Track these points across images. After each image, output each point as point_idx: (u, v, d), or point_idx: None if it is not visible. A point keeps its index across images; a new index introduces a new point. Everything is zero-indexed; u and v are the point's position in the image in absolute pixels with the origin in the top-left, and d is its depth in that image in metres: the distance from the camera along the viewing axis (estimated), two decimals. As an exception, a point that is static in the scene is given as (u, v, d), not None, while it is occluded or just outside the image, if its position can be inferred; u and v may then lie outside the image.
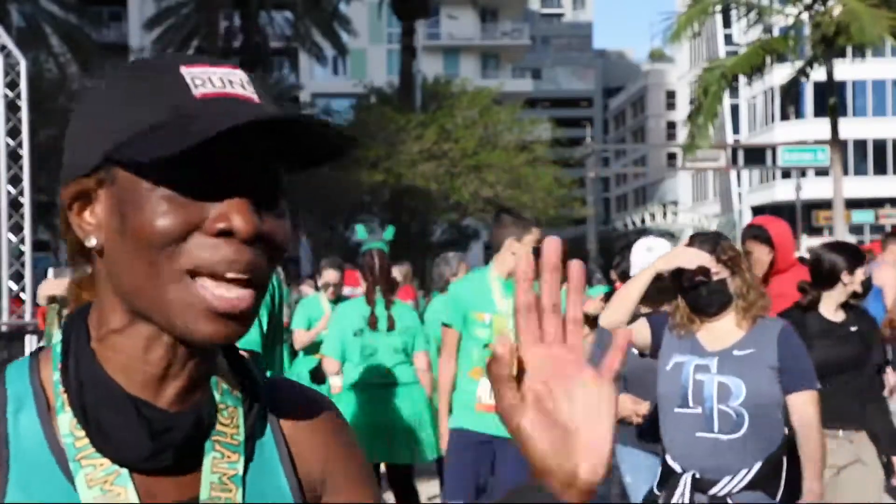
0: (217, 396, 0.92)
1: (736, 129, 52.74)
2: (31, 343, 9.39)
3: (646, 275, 3.42)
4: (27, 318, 9.92)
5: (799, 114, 45.43)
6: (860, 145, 46.85)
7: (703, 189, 60.63)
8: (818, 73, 22.61)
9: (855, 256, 4.18)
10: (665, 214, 43.82)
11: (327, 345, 5.46)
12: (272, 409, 0.97)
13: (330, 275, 7.07)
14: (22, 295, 10.35)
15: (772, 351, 3.23)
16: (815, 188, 40.34)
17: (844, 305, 4.17)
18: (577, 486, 0.81)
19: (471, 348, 4.55)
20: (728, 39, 49.86)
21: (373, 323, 5.33)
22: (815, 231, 41.43)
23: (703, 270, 3.26)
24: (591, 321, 4.07)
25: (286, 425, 0.97)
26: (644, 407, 4.17)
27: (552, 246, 0.82)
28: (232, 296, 0.84)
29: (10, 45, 10.29)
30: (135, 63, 0.92)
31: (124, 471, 0.86)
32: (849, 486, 4.07)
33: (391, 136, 27.48)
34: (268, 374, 2.05)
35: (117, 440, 0.86)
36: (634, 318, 3.60)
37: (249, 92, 0.88)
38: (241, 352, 1.02)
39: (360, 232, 5.82)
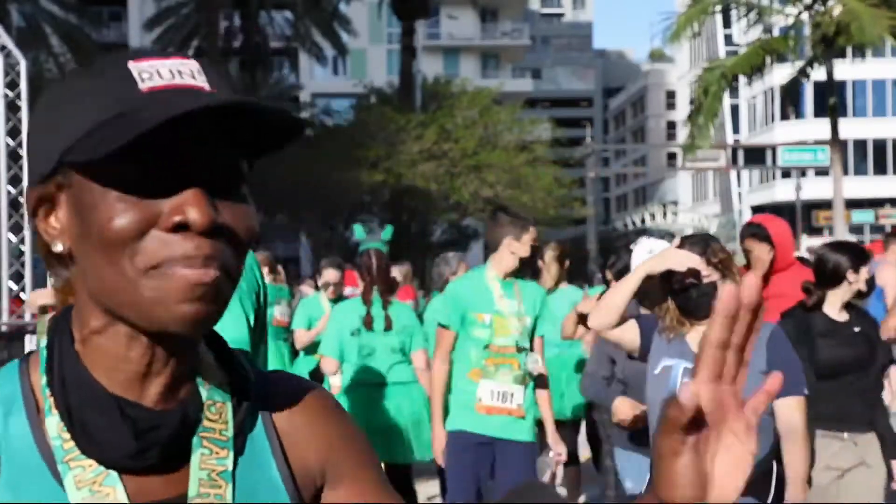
0: (204, 393, 0.92)
1: (736, 129, 52.75)
2: (31, 343, 9.39)
3: (635, 277, 3.36)
4: (27, 318, 9.92)
5: (799, 114, 45.43)
6: (860, 145, 46.86)
7: (703, 189, 60.63)
8: (818, 73, 22.61)
9: (859, 256, 4.17)
10: (665, 214, 43.83)
11: (325, 345, 5.46)
12: (264, 403, 0.96)
13: (330, 274, 7.07)
14: (22, 295, 10.35)
15: (760, 355, 3.17)
16: (815, 188, 40.34)
17: (847, 306, 4.16)
18: None
19: (469, 349, 4.46)
20: (728, 39, 49.87)
21: (368, 323, 5.32)
22: (815, 231, 41.43)
23: (694, 273, 3.22)
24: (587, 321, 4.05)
25: (279, 418, 0.97)
26: (641, 411, 4.15)
27: (752, 285, 0.78)
28: (200, 270, 0.83)
29: (10, 45, 10.29)
30: (86, 63, 0.92)
31: (113, 471, 0.86)
32: (852, 489, 4.05)
33: (391, 136, 27.49)
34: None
35: (102, 441, 0.86)
36: (636, 317, 3.58)
37: (200, 81, 0.87)
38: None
39: (357, 232, 5.82)
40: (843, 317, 4.13)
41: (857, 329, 4.12)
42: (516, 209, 4.89)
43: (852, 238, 28.02)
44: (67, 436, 0.86)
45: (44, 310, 4.32)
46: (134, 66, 0.86)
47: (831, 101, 22.66)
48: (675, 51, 53.81)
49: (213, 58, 31.05)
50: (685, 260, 3.22)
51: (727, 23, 44.43)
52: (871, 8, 20.14)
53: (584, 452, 6.97)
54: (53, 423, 0.87)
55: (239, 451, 0.93)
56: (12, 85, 10.32)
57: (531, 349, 4.52)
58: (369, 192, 28.36)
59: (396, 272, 8.03)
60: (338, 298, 6.81)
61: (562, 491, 6.42)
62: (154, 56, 0.88)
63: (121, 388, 0.88)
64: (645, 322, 3.44)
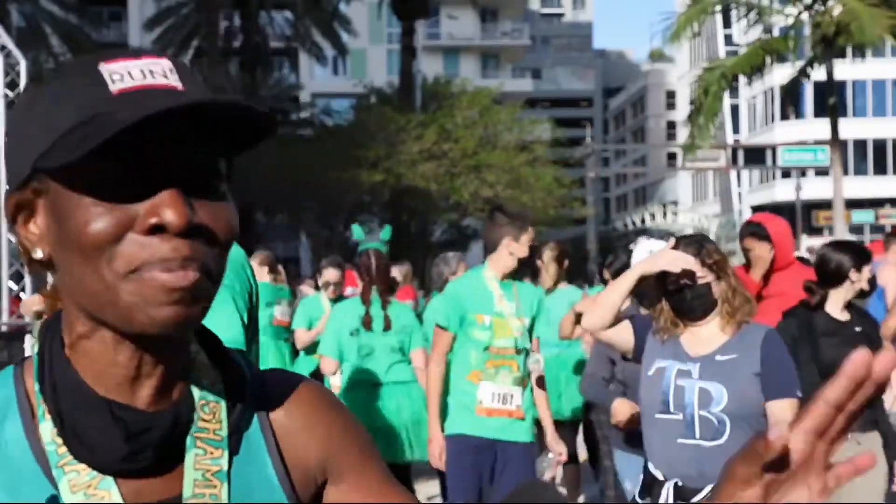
0: (197, 392, 0.92)
1: (736, 129, 52.75)
2: (30, 344, 9.39)
3: (629, 278, 3.33)
4: (27, 318, 9.92)
5: (799, 114, 45.43)
6: (860, 145, 46.86)
7: (703, 189, 60.64)
8: (818, 73, 22.62)
9: (861, 255, 4.17)
10: (665, 214, 43.85)
11: (324, 345, 5.46)
12: (261, 401, 0.96)
13: (330, 273, 7.08)
14: (22, 295, 10.35)
15: (755, 356, 3.16)
16: (815, 188, 40.34)
17: (848, 305, 4.16)
18: None
19: (468, 350, 4.39)
20: (728, 39, 49.88)
21: (367, 323, 5.32)
22: (815, 231, 41.44)
23: (688, 274, 3.19)
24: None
25: (276, 416, 0.96)
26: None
27: (888, 362, 0.76)
28: (179, 273, 0.83)
29: (10, 45, 10.29)
30: (58, 67, 0.91)
31: (108, 475, 0.86)
32: (853, 489, 4.05)
33: (391, 136, 27.49)
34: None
35: (94, 445, 0.86)
36: (630, 318, 3.56)
37: (173, 80, 0.86)
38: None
39: (356, 232, 5.82)
40: (844, 316, 4.13)
41: (858, 329, 4.12)
42: (514, 209, 4.83)
43: (852, 238, 28.02)
44: (61, 440, 0.86)
45: (39, 315, 4.33)
46: (105, 68, 0.85)
47: (831, 101, 22.66)
48: (675, 51, 53.82)
49: (213, 58, 31.09)
50: (679, 261, 3.19)
51: (727, 23, 44.44)
52: (871, 8, 20.14)
53: (584, 453, 6.96)
54: (47, 429, 0.87)
55: (234, 450, 0.92)
56: (12, 85, 10.32)
57: (529, 350, 4.51)
58: (369, 192, 28.35)
59: (396, 272, 8.04)
60: (338, 298, 6.82)
61: (561, 491, 6.42)
62: (125, 57, 0.87)
63: (112, 391, 0.88)
64: (639, 323, 3.41)
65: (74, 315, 0.88)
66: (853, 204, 38.36)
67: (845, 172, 29.48)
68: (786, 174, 41.61)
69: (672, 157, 61.69)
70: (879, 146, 47.70)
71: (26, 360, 0.93)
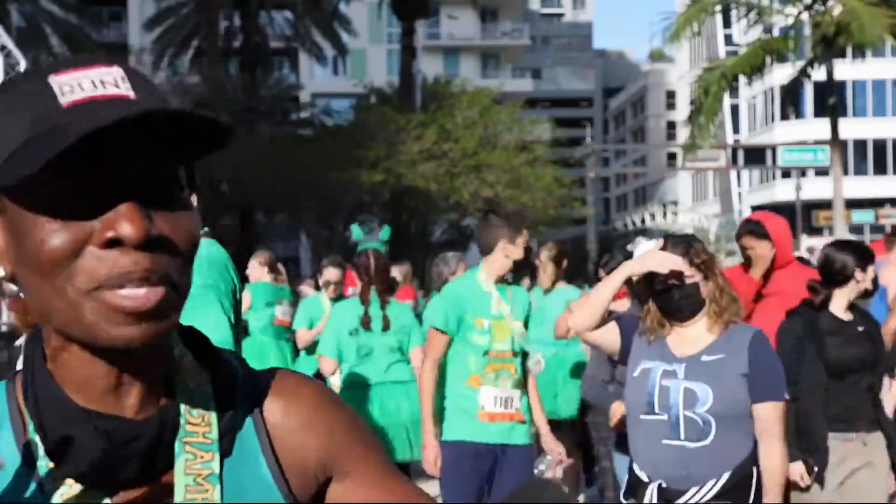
0: (184, 396, 0.91)
1: (736, 129, 52.74)
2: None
3: (616, 279, 3.30)
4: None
5: (799, 114, 45.42)
6: (860, 145, 46.85)
7: (703, 189, 60.63)
8: (818, 73, 22.62)
9: (865, 255, 4.15)
10: (665, 214, 43.85)
11: (323, 345, 5.47)
12: (254, 400, 0.95)
13: (331, 273, 7.09)
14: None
15: (742, 357, 3.13)
16: (815, 188, 40.33)
17: (850, 305, 4.15)
18: None
19: (467, 355, 4.31)
20: (728, 39, 49.87)
21: (366, 323, 5.32)
22: (815, 231, 41.43)
23: (676, 274, 3.17)
24: None
25: (271, 415, 0.95)
26: None
27: None
28: (141, 292, 0.81)
29: (10, 45, 10.30)
30: (6, 81, 0.89)
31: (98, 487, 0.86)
32: (857, 489, 4.04)
33: (391, 136, 27.48)
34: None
35: (78, 458, 0.85)
36: (617, 319, 3.53)
37: (124, 89, 0.84)
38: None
39: (355, 232, 5.82)
40: (847, 316, 4.12)
41: (860, 329, 4.11)
42: (508, 210, 4.77)
43: (852, 238, 27.97)
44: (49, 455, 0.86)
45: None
46: (54, 80, 0.84)
47: (831, 101, 22.67)
48: (675, 51, 53.82)
49: (213, 58, 31.10)
50: (667, 262, 3.17)
51: (727, 23, 44.43)
52: (871, 7, 20.14)
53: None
54: (38, 444, 0.86)
55: (226, 451, 0.91)
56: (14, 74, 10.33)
57: (527, 352, 4.48)
58: (369, 192, 28.34)
59: (396, 272, 8.04)
60: (338, 297, 6.82)
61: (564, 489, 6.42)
62: (76, 67, 0.85)
63: (95, 402, 0.87)
64: (625, 324, 3.38)
65: (48, 330, 0.88)
66: (853, 204, 38.36)
67: (845, 172, 29.47)
68: (786, 174, 41.61)
69: (672, 157, 61.68)
70: (879, 146, 47.69)
71: (17, 374, 0.92)
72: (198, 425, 0.90)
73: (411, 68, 31.04)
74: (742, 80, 23.39)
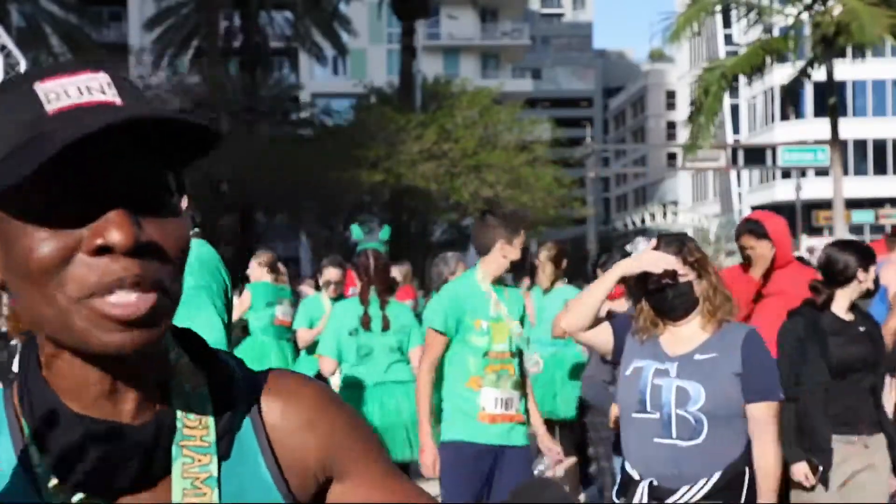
0: (180, 400, 0.90)
1: (736, 129, 52.74)
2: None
3: (609, 278, 3.29)
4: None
5: (799, 114, 45.42)
6: (860, 145, 46.85)
7: (703, 189, 60.63)
8: (818, 73, 22.63)
9: (867, 255, 4.14)
10: (665, 214, 43.85)
11: (323, 345, 5.47)
12: (253, 401, 0.95)
13: (331, 273, 7.09)
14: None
15: (735, 357, 3.12)
16: (815, 188, 40.33)
17: (851, 306, 4.14)
18: None
19: (466, 356, 4.27)
20: (728, 39, 49.87)
21: (366, 323, 5.32)
22: (815, 231, 41.43)
23: (670, 273, 3.16)
24: None
25: (270, 416, 0.95)
26: None
27: None
28: (132, 299, 0.81)
29: (10, 45, 10.30)
30: None
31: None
32: (859, 491, 4.04)
33: (391, 136, 27.48)
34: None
35: (74, 465, 0.85)
36: (609, 319, 3.52)
37: (110, 95, 0.84)
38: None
39: (355, 232, 5.82)
40: (849, 317, 4.11)
41: (862, 329, 4.10)
42: (506, 210, 4.74)
43: (853, 238, 27.97)
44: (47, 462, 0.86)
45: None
46: (40, 88, 0.83)
47: (831, 101, 22.68)
48: (675, 51, 53.82)
49: (213, 58, 31.10)
50: (660, 261, 3.16)
51: (727, 23, 44.44)
52: (871, 7, 20.15)
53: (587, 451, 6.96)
54: (35, 451, 0.86)
55: (225, 453, 0.91)
56: None
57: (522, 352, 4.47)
58: (369, 191, 28.35)
59: (396, 272, 8.04)
60: (339, 297, 6.83)
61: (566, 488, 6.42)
62: (61, 73, 0.85)
63: (91, 408, 0.86)
64: (618, 324, 3.38)
65: (40, 337, 0.88)
66: (853, 204, 38.36)
67: (845, 172, 29.48)
68: (786, 174, 41.61)
69: (672, 157, 61.68)
70: (879, 146, 47.69)
71: (14, 382, 0.92)
72: (195, 428, 0.90)
73: (411, 68, 31.04)
74: (742, 80, 23.40)
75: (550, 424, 6.86)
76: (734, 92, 41.78)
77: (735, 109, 51.70)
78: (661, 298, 3.19)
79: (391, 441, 5.23)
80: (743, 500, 3.11)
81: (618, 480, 3.30)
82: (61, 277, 0.81)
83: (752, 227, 4.74)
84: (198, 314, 2.53)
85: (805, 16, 22.14)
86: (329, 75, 48.67)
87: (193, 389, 0.92)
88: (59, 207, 0.81)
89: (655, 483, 3.12)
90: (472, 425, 4.28)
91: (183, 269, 0.87)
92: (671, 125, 68.66)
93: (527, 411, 4.43)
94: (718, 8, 23.33)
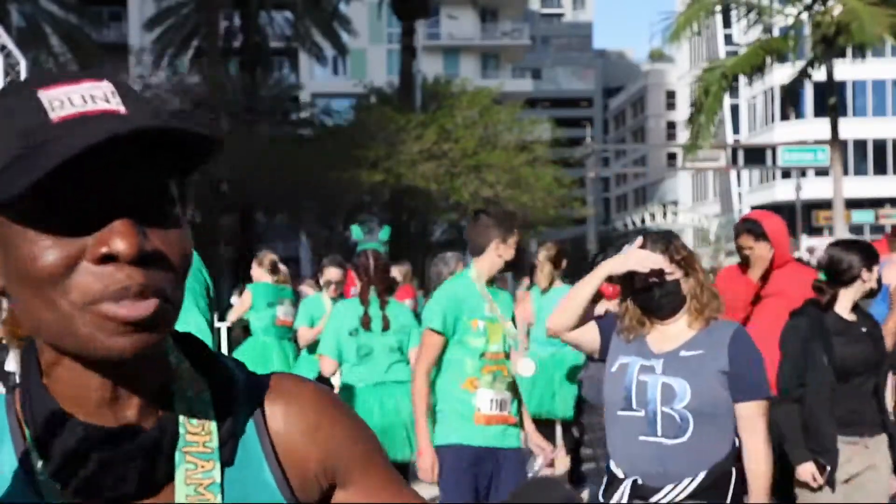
0: (182, 405, 0.90)
1: (736, 129, 52.75)
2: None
3: (596, 277, 3.25)
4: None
5: (799, 114, 45.43)
6: (860, 145, 46.86)
7: (703, 189, 60.64)
8: (818, 73, 22.63)
9: (870, 254, 4.12)
10: (665, 214, 43.83)
11: (323, 345, 5.48)
12: (256, 405, 0.94)
13: (332, 272, 7.11)
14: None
15: (722, 354, 3.08)
16: (815, 188, 40.34)
17: (853, 306, 4.13)
18: None
19: (463, 358, 4.24)
20: (728, 39, 49.88)
21: (366, 323, 5.32)
22: (815, 231, 41.44)
23: (657, 272, 3.13)
24: None
25: (274, 420, 0.94)
26: None
27: None
28: (135, 303, 0.81)
29: (10, 45, 10.30)
30: None
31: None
32: (856, 490, 4.04)
33: (391, 136, 27.47)
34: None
35: (78, 473, 0.84)
36: (596, 318, 3.50)
37: (115, 104, 0.84)
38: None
39: (355, 233, 5.84)
40: (851, 317, 4.10)
41: (864, 329, 4.09)
42: (499, 210, 4.71)
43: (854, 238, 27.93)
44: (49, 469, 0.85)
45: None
46: (44, 95, 0.83)
47: (831, 101, 22.68)
48: (674, 51, 53.83)
49: (213, 58, 31.08)
50: (647, 260, 3.14)
51: (727, 23, 44.43)
52: (871, 7, 20.15)
53: (584, 451, 6.96)
54: (37, 456, 0.86)
55: (228, 458, 0.91)
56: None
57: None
58: (369, 191, 28.33)
59: (396, 272, 8.05)
60: (339, 297, 6.84)
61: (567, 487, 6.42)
62: (65, 81, 0.85)
63: (93, 415, 0.86)
64: (605, 323, 3.35)
65: (39, 343, 0.87)
66: (853, 204, 38.37)
67: (845, 172, 29.48)
68: (786, 174, 41.61)
69: (672, 157, 61.68)
70: (879, 146, 47.70)
71: (16, 388, 0.92)
72: (197, 434, 0.90)
73: (411, 68, 31.04)
74: (742, 80, 23.40)
75: (550, 423, 6.88)
76: (734, 92, 41.78)
77: (735, 109, 51.71)
78: (648, 297, 3.17)
79: (391, 441, 5.23)
80: (729, 500, 3.07)
81: (605, 481, 3.27)
82: (65, 285, 0.81)
83: (750, 227, 4.71)
84: (184, 318, 2.54)
85: (805, 16, 22.14)
86: (329, 75, 48.67)
87: (196, 394, 0.91)
88: (62, 215, 0.81)
89: (640, 482, 3.09)
90: (468, 428, 4.25)
91: (185, 278, 0.87)
92: (671, 125, 68.67)
93: (519, 413, 4.41)
94: (718, 8, 23.33)
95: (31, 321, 0.84)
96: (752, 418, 3.10)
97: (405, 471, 5.55)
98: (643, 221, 43.10)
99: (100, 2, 42.52)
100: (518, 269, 4.66)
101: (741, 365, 3.09)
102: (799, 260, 5.32)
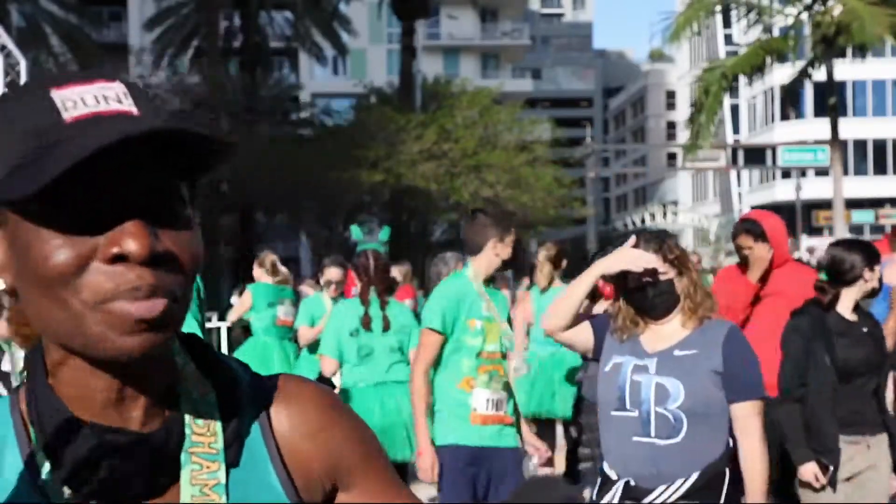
0: (188, 406, 0.90)
1: (736, 129, 52.75)
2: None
3: (589, 277, 3.25)
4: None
5: (799, 114, 45.43)
6: (860, 145, 46.86)
7: (703, 189, 60.64)
8: (818, 73, 22.63)
9: (872, 254, 4.11)
10: (665, 214, 43.81)
11: (324, 345, 5.48)
12: (261, 407, 0.95)
13: (332, 272, 7.11)
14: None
15: (716, 354, 3.06)
16: (815, 188, 40.33)
17: (854, 306, 4.13)
18: None
19: (460, 357, 4.23)
20: (728, 39, 49.88)
21: (367, 323, 5.33)
22: (815, 231, 41.44)
23: (650, 271, 3.11)
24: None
25: (278, 422, 0.95)
26: None
27: None
28: (146, 302, 0.82)
29: (10, 45, 10.30)
30: (6, 93, 0.88)
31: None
32: (857, 489, 4.04)
33: (391, 136, 27.47)
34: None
35: (84, 474, 0.84)
36: (589, 318, 3.49)
37: (127, 105, 0.84)
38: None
39: (355, 233, 5.84)
40: (853, 317, 4.09)
41: (865, 329, 4.08)
42: (496, 209, 4.70)
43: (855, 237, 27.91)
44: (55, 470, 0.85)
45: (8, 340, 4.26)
46: (57, 95, 0.83)
47: (831, 101, 22.69)
48: (674, 51, 53.83)
49: (213, 58, 31.08)
50: (640, 260, 3.12)
51: (727, 23, 44.43)
52: (871, 7, 20.16)
53: (582, 451, 6.96)
54: (42, 457, 0.86)
55: (234, 460, 0.91)
56: (12, 85, 10.32)
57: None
58: (369, 192, 28.33)
59: (396, 272, 8.05)
60: (340, 297, 6.84)
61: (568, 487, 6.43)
62: (78, 81, 0.85)
63: (100, 416, 0.86)
64: (598, 323, 3.33)
65: (47, 343, 0.88)
66: (853, 204, 38.37)
67: (845, 172, 29.49)
68: (786, 174, 41.61)
69: (672, 157, 61.68)
70: (879, 146, 47.70)
71: (21, 388, 0.92)
72: (203, 435, 0.90)
73: (411, 68, 31.03)
74: (742, 80, 23.41)
75: (551, 423, 6.88)
76: (734, 92, 41.79)
77: (735, 109, 51.71)
78: (641, 297, 3.15)
79: (391, 440, 5.23)
80: (722, 500, 3.05)
81: (599, 481, 3.26)
82: (76, 284, 0.81)
83: (749, 227, 4.70)
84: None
85: (805, 16, 22.15)
86: (329, 75, 48.67)
87: (201, 396, 0.92)
88: (74, 215, 0.81)
89: (632, 483, 3.07)
90: (465, 428, 4.24)
91: (194, 280, 0.87)
92: (671, 125, 68.66)
93: (514, 412, 4.40)
94: (718, 8, 23.34)
95: (41, 320, 0.84)
96: (747, 419, 3.08)
97: (404, 471, 5.54)
98: (643, 221, 43.07)
99: (100, 2, 42.52)
100: (517, 268, 4.65)
101: (735, 365, 3.08)
102: (798, 260, 5.31)
